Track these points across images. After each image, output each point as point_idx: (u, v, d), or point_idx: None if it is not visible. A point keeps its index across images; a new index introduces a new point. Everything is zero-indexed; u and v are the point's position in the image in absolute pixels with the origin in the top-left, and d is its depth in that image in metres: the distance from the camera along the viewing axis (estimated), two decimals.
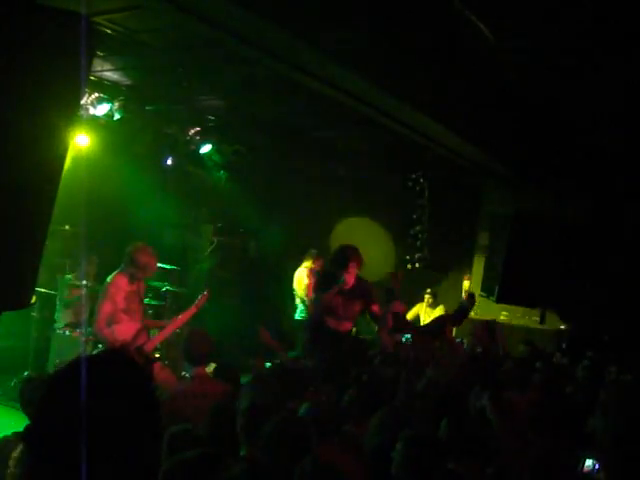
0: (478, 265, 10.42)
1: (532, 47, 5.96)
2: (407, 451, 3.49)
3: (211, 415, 4.06)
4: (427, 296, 10.63)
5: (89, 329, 7.74)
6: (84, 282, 8.26)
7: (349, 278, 6.88)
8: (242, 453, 3.72)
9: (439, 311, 10.47)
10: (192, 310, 6.41)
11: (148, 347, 6.21)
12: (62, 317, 8.40)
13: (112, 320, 6.12)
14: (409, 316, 10.63)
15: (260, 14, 4.50)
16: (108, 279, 6.29)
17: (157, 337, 6.48)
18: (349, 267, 6.86)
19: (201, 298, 6.51)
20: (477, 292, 9.48)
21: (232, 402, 4.12)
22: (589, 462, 3.83)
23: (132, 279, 6.29)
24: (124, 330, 6.16)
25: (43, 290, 8.16)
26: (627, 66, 5.86)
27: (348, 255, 6.94)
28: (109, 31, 6.32)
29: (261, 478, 2.49)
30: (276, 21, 4.68)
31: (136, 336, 6.20)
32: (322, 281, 7.18)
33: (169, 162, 10.49)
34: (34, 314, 8.32)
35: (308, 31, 4.91)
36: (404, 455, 3.49)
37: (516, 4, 5.15)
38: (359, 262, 6.96)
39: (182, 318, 6.39)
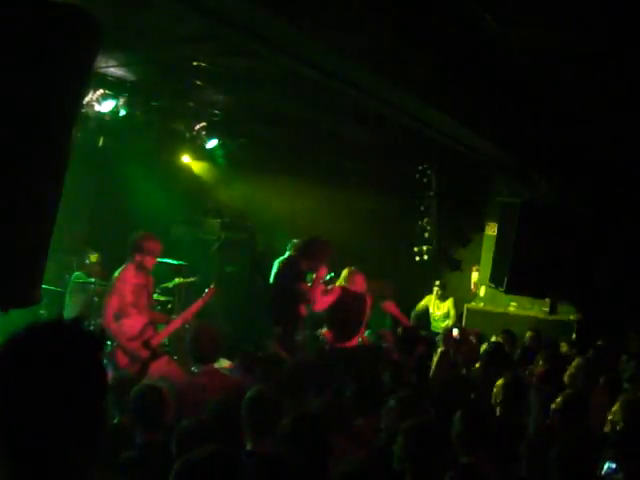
0: (487, 256, 10.37)
1: (537, 38, 5.91)
2: (407, 443, 3.48)
3: (218, 409, 4.06)
4: (436, 288, 10.58)
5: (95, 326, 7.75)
6: (92, 279, 8.28)
7: (324, 271, 7.09)
8: (248, 447, 3.71)
9: (448, 303, 10.45)
10: (199, 304, 6.44)
11: (155, 341, 6.22)
12: (70, 314, 8.41)
13: (120, 314, 6.12)
14: (418, 308, 10.62)
15: (262, 5, 4.48)
16: (115, 274, 6.29)
17: (164, 331, 6.49)
18: (325, 260, 7.06)
19: (208, 292, 6.54)
20: (486, 283, 9.46)
21: (241, 396, 4.12)
22: (607, 465, 3.80)
23: (138, 269, 6.28)
24: (132, 324, 6.16)
25: (51, 287, 8.16)
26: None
27: (326, 249, 7.19)
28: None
29: (275, 474, 2.48)
30: (279, 13, 4.65)
31: (143, 330, 6.21)
32: (295, 271, 7.16)
33: (175, 157, 10.50)
34: (42, 312, 8.32)
35: (309, 22, 4.88)
36: (404, 447, 3.48)
37: None
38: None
39: (189, 312, 6.42)
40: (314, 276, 7.16)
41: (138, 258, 6.26)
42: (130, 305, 6.17)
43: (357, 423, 4.40)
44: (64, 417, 1.41)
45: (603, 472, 3.80)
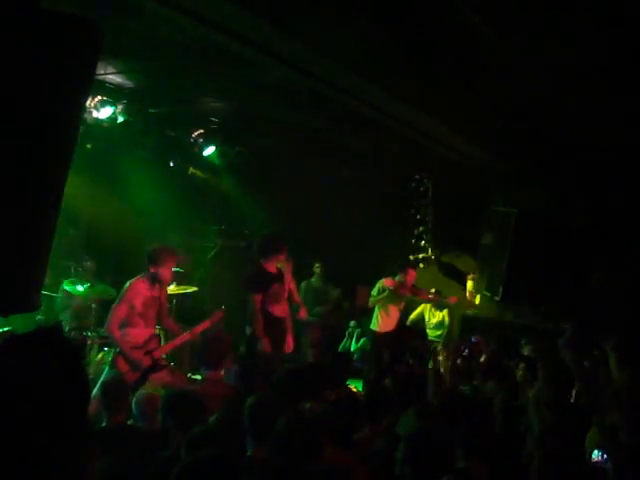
0: (482, 264, 10.41)
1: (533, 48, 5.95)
2: (408, 450, 3.51)
3: (219, 415, 4.10)
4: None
5: (93, 333, 7.75)
6: (82, 287, 8.27)
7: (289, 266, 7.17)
8: (249, 453, 3.74)
9: (443, 311, 10.45)
10: (205, 324, 6.46)
11: (157, 353, 6.24)
12: (67, 320, 8.41)
13: (126, 323, 6.14)
14: (413, 316, 10.63)
15: (258, 14, 4.53)
16: (127, 284, 6.28)
17: (167, 345, 6.51)
18: (283, 253, 7.13)
19: (217, 314, 6.58)
20: (482, 291, 9.47)
21: (241, 404, 4.16)
22: (597, 453, 3.84)
23: (153, 281, 6.29)
24: (137, 334, 6.18)
25: (48, 293, 8.16)
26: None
27: (280, 243, 7.26)
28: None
29: (270, 478, 2.51)
30: (274, 22, 4.70)
31: (148, 341, 6.24)
32: (260, 273, 7.21)
33: (172, 165, 10.51)
34: (39, 317, 8.32)
35: (303, 29, 4.93)
36: (405, 454, 3.51)
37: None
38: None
39: (195, 331, 6.42)
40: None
41: (152, 270, 6.26)
42: (138, 315, 6.18)
43: (362, 434, 4.42)
44: (42, 428, 1.38)
45: (593, 460, 3.84)
